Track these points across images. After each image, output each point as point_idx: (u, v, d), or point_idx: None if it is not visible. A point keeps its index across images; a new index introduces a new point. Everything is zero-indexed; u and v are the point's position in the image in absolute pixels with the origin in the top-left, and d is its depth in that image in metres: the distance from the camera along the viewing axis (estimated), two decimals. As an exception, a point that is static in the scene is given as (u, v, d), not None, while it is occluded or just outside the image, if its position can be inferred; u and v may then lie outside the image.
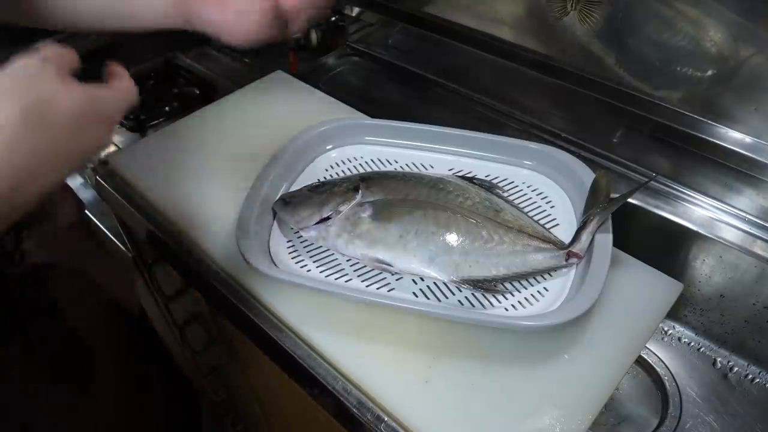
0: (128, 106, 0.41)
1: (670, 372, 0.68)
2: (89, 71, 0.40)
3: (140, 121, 0.86)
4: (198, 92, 0.94)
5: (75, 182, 0.87)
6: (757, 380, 0.67)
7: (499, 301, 0.53)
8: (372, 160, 0.68)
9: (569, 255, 0.54)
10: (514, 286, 0.54)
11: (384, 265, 0.55)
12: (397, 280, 0.55)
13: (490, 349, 0.50)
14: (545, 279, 0.55)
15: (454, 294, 0.54)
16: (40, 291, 0.63)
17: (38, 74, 0.35)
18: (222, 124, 0.75)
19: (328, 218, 0.56)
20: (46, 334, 0.62)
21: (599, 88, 0.71)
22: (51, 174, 0.35)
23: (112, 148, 0.82)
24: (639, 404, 0.67)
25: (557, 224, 0.59)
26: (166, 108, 0.90)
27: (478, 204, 0.57)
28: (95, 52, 0.99)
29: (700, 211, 0.67)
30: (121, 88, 0.41)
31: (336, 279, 0.55)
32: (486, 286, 0.53)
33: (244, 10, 0.53)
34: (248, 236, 0.55)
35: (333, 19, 0.99)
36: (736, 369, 0.69)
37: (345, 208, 0.56)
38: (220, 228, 0.61)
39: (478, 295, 0.54)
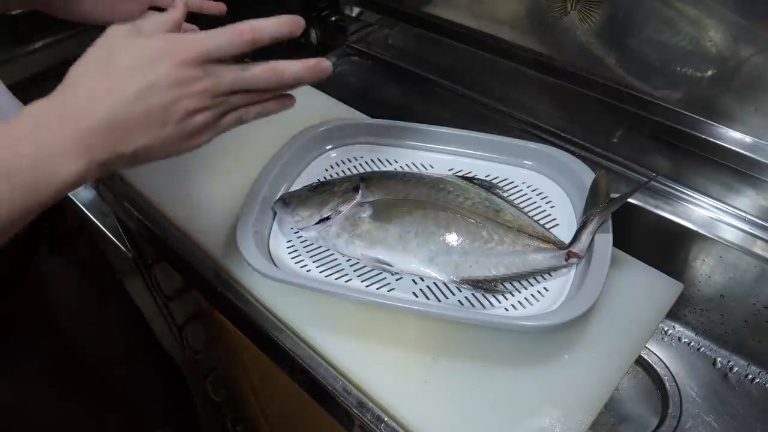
0: (209, 52, 0.38)
1: (670, 372, 0.68)
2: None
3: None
4: (198, 92, 0.94)
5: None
6: (757, 380, 0.67)
7: (499, 301, 0.53)
8: (372, 160, 0.68)
9: (569, 255, 0.54)
10: (514, 286, 0.54)
11: (384, 265, 0.55)
12: (397, 280, 0.55)
13: (490, 349, 0.50)
14: (545, 279, 0.55)
15: (454, 294, 0.54)
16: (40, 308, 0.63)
17: (111, 33, 0.38)
18: (222, 124, 0.75)
19: (328, 218, 0.56)
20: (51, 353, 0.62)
21: (599, 88, 0.71)
22: (137, 130, 0.37)
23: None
24: (639, 404, 0.67)
25: (557, 224, 0.59)
26: (166, 108, 0.90)
27: (478, 204, 0.57)
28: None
29: (700, 211, 0.67)
30: (209, 32, 0.39)
31: (336, 279, 0.55)
32: (486, 286, 0.53)
33: None
34: (248, 236, 0.55)
35: (333, 19, 0.99)
36: (736, 369, 0.69)
37: (345, 208, 0.56)
38: (220, 228, 0.61)
39: (478, 295, 0.54)
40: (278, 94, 0.45)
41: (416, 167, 0.66)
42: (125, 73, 0.37)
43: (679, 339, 0.72)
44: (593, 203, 0.56)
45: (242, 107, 0.43)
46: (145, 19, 0.40)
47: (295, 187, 0.64)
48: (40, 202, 0.36)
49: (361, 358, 0.50)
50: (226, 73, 0.40)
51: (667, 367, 0.69)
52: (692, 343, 0.71)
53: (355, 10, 0.98)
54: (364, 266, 0.56)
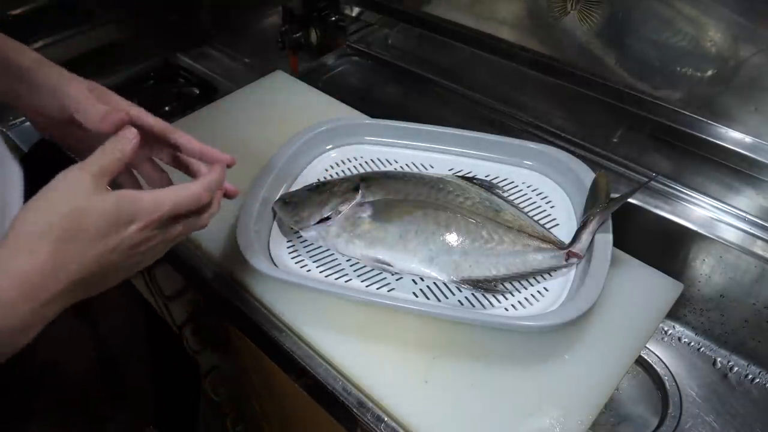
0: (172, 211, 0.40)
1: (670, 372, 0.68)
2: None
3: (140, 121, 0.86)
4: (198, 92, 0.94)
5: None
6: (757, 380, 0.67)
7: (499, 301, 0.53)
8: (372, 160, 0.68)
9: (569, 255, 0.54)
10: (514, 286, 0.54)
11: (384, 265, 0.55)
12: (397, 280, 0.55)
13: (490, 349, 0.50)
14: (545, 279, 0.55)
15: (454, 294, 0.54)
16: None
17: (74, 186, 0.38)
18: (222, 124, 0.75)
19: (328, 218, 0.56)
20: None
21: (599, 88, 0.71)
22: (95, 283, 0.39)
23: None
24: (639, 404, 0.67)
25: (557, 224, 0.59)
26: (166, 108, 0.90)
27: (478, 204, 0.57)
28: (95, 52, 0.99)
29: (700, 211, 0.67)
30: (166, 193, 0.41)
31: (336, 279, 0.55)
32: (486, 286, 0.53)
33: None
34: (248, 236, 0.55)
35: (333, 19, 0.99)
36: (736, 369, 0.69)
37: (345, 208, 0.56)
38: (220, 228, 0.60)
39: (478, 295, 0.54)
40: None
41: (416, 167, 0.66)
42: (92, 238, 0.37)
43: (679, 339, 0.72)
44: (593, 203, 0.56)
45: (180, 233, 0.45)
46: (101, 159, 0.39)
47: (295, 187, 0.64)
48: None
49: (361, 358, 0.50)
50: (178, 227, 0.42)
51: (667, 367, 0.69)
52: (692, 343, 0.71)
53: (355, 10, 0.98)
54: (364, 266, 0.56)
